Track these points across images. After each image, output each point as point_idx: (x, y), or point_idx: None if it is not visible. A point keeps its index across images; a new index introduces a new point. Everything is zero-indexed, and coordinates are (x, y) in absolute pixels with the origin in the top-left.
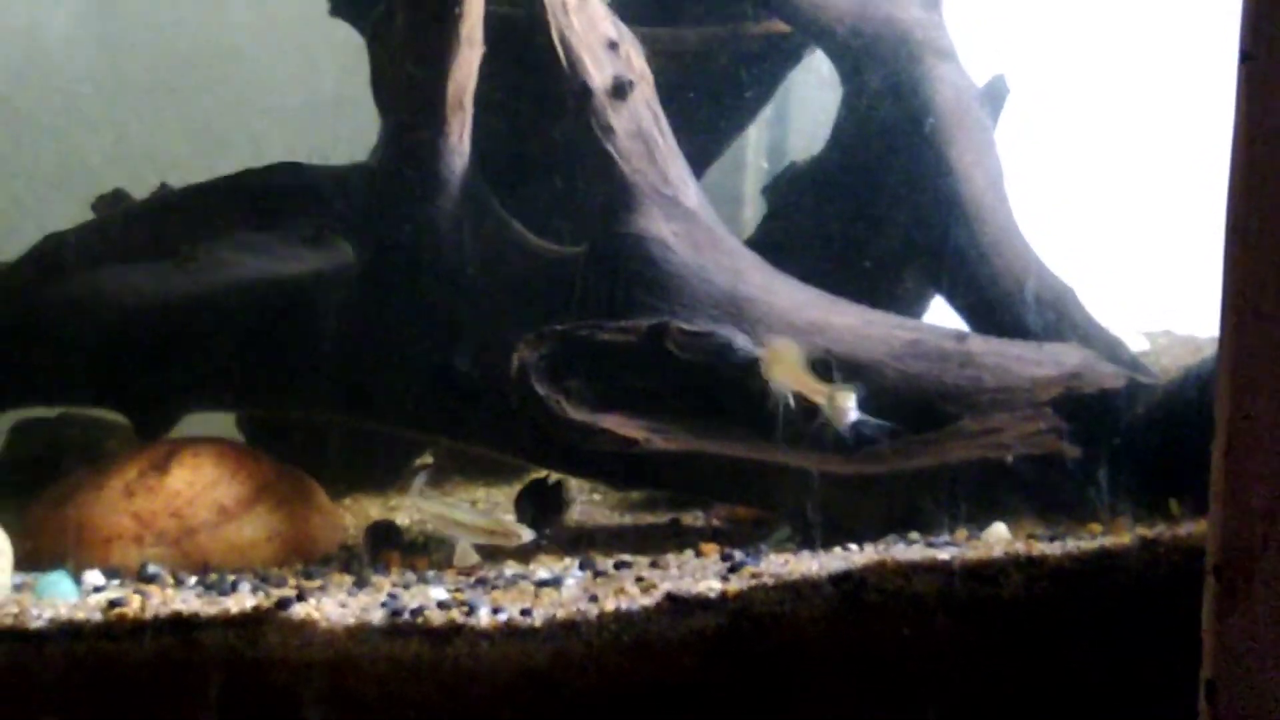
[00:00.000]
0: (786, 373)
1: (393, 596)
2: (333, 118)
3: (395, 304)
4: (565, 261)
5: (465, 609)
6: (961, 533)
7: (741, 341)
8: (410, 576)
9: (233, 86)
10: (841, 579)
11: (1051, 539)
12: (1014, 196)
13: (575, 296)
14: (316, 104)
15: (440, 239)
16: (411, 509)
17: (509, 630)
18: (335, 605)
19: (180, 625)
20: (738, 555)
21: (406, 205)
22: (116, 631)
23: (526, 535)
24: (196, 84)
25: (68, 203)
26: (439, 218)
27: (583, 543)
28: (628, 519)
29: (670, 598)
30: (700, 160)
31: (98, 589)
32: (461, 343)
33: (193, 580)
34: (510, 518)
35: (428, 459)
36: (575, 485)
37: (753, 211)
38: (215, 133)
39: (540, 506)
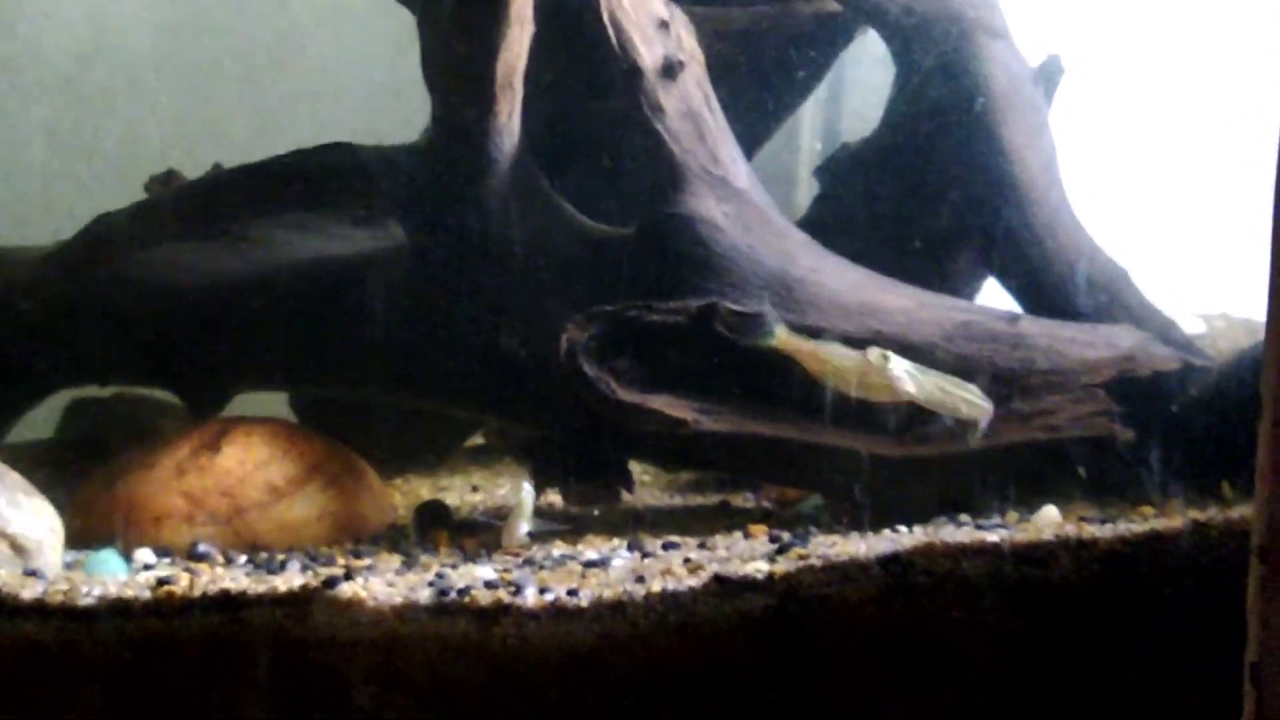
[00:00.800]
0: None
1: (440, 576)
2: (391, 102)
3: (444, 284)
4: (614, 242)
5: (512, 589)
6: (1012, 515)
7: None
8: (458, 556)
9: (292, 71)
10: (889, 561)
11: (1102, 522)
12: (1068, 177)
13: (624, 277)
14: (375, 88)
15: (489, 219)
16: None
17: (556, 611)
18: (383, 584)
19: (228, 603)
20: (785, 537)
21: (455, 185)
22: (165, 609)
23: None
24: (257, 68)
25: (127, 183)
26: (488, 197)
27: (631, 524)
28: (677, 500)
29: (717, 579)
30: (751, 141)
31: (148, 567)
32: (509, 322)
33: (243, 559)
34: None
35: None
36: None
37: (806, 193)
38: (274, 116)
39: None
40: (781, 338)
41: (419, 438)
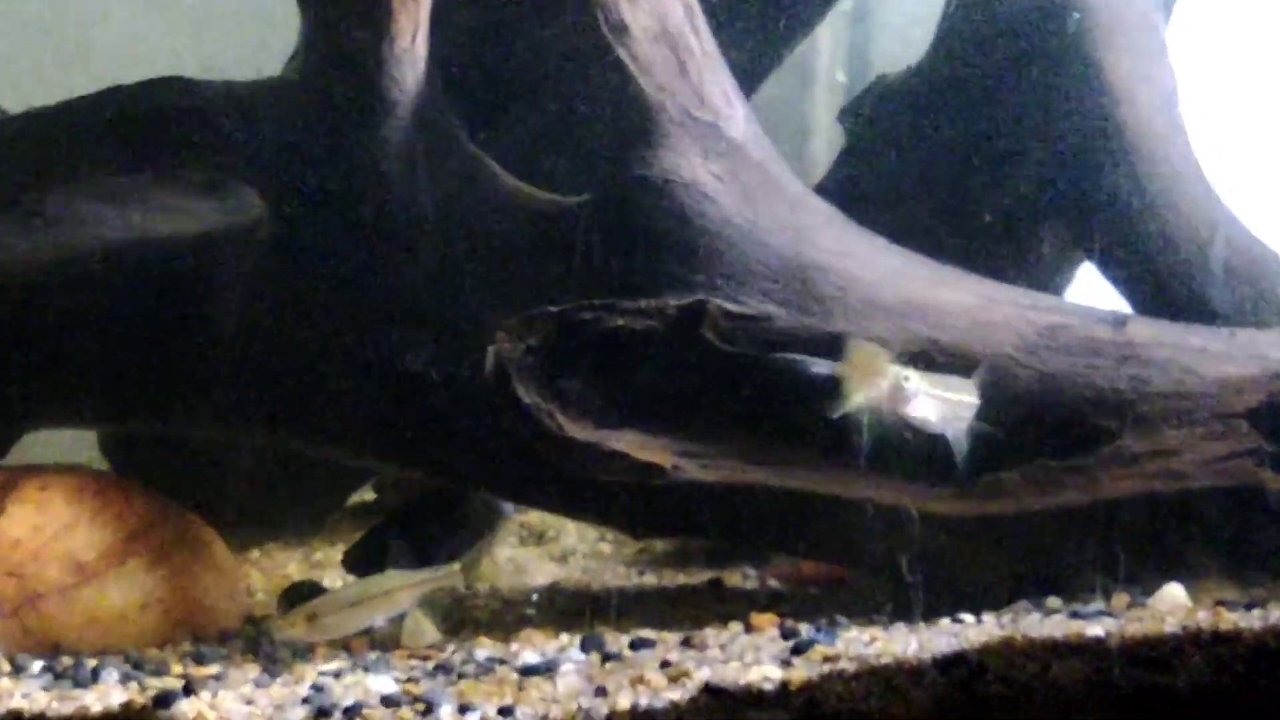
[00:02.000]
0: (872, 383)
1: (318, 689)
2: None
3: (321, 275)
4: (562, 216)
5: (421, 708)
6: (1120, 598)
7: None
8: (343, 660)
9: None
10: (952, 663)
11: (1248, 607)
12: (1193, 125)
13: (576, 265)
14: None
15: (384, 184)
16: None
17: None
18: (238, 701)
19: None
20: (805, 630)
21: (337, 136)
22: None
23: None
24: None
25: None
26: (383, 154)
27: (587, 612)
28: (649, 579)
29: (710, 691)
30: (751, 73)
31: None
32: (414, 330)
33: (38, 665)
34: None
35: (370, 494)
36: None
37: (827, 146)
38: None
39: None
40: (861, 358)
41: (286, 493)
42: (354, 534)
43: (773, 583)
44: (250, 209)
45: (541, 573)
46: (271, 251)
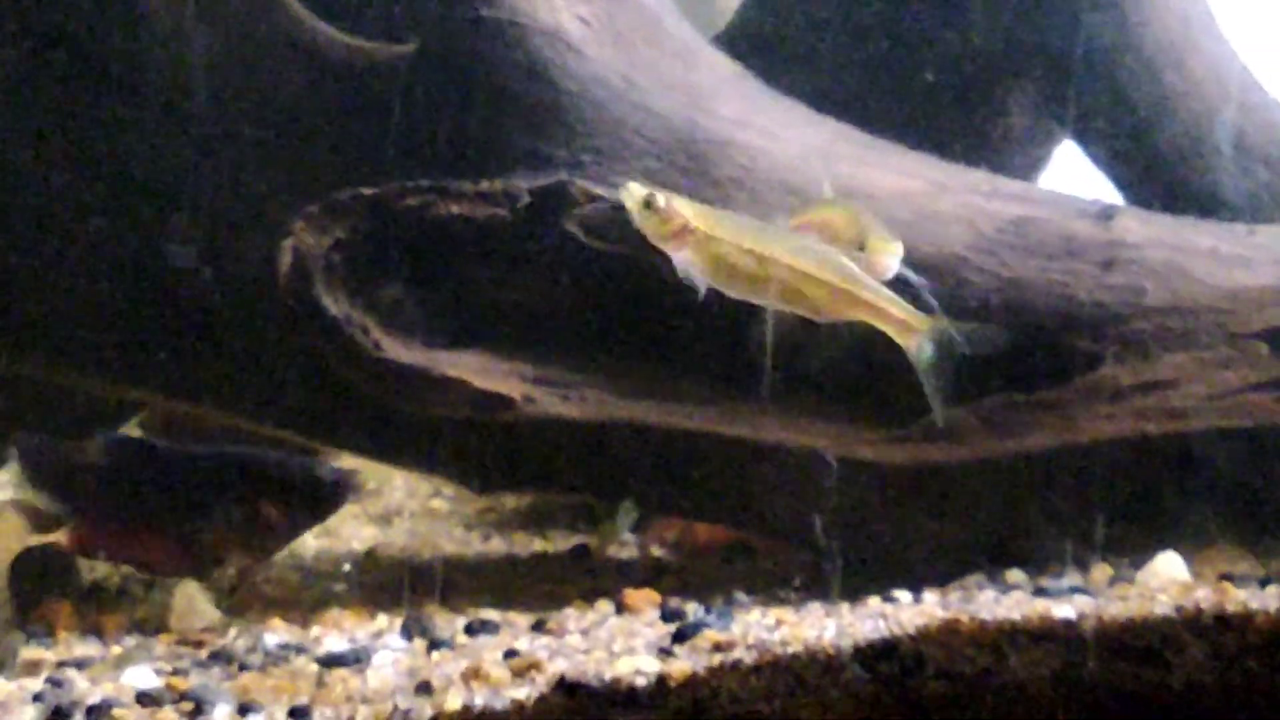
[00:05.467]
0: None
1: (56, 684)
2: None
3: (52, 140)
4: (378, 69)
5: (189, 707)
6: (1101, 570)
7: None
8: (91, 647)
9: None
10: (880, 654)
11: (1263, 583)
12: None
13: (397, 133)
14: None
15: (138, 21)
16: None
17: None
18: None
19: None
20: (692, 610)
21: None
22: None
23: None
24: None
25: None
26: None
27: (407, 586)
28: (495, 545)
29: (565, 688)
30: None
31: None
32: (178, 214)
33: None
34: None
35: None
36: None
37: None
38: None
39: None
40: (636, 195)
41: (19, 428)
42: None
43: (655, 550)
44: None
45: (356, 537)
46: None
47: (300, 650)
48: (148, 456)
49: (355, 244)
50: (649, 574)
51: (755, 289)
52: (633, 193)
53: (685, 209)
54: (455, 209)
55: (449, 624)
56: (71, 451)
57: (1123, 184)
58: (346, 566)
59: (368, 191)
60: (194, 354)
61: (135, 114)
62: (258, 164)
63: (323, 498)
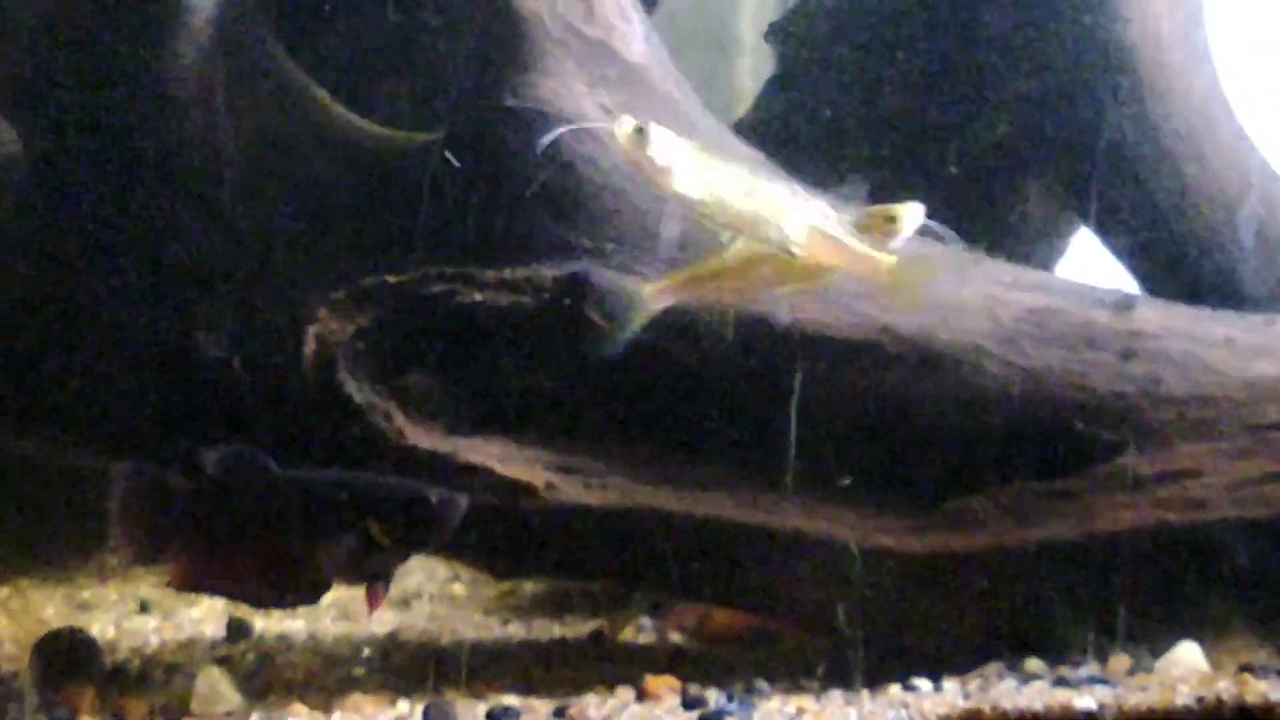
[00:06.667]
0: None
1: None
2: None
3: (88, 231)
4: (406, 157)
5: None
6: (1120, 660)
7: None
8: None
9: None
10: None
11: None
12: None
13: (423, 222)
14: None
15: (173, 114)
16: None
17: None
18: None
19: None
20: (713, 698)
21: (110, 53)
22: None
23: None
24: None
25: None
26: (171, 76)
27: (431, 673)
28: (515, 629)
29: None
30: None
31: None
32: (210, 303)
33: None
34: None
35: None
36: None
37: (751, 67)
38: None
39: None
40: (626, 126)
41: (42, 514)
42: (135, 568)
43: (675, 636)
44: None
45: (376, 621)
46: (24, 196)
47: None
48: (262, 474)
49: (380, 331)
50: (668, 661)
51: (737, 220)
52: (623, 124)
53: (674, 145)
54: (479, 296)
55: (470, 710)
56: (169, 476)
57: (1142, 275)
58: (366, 651)
59: (393, 279)
60: (220, 439)
61: (167, 201)
62: (286, 250)
63: (432, 521)
